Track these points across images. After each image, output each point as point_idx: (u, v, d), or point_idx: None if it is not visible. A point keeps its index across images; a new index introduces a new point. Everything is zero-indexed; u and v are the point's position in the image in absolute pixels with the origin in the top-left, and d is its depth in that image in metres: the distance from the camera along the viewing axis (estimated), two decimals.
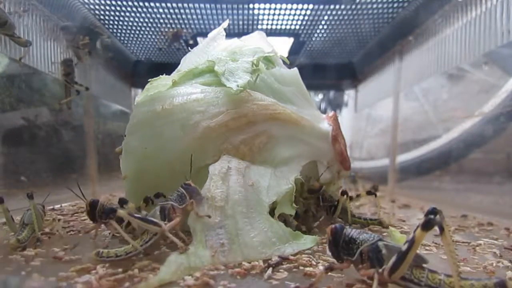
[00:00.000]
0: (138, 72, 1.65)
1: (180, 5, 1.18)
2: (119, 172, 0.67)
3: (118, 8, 1.20)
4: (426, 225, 0.35)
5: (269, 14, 1.25)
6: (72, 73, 1.05)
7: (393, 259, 0.36)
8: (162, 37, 1.30)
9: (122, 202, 0.52)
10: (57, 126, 1.12)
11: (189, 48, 0.86)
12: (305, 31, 1.38)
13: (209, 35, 0.83)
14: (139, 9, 1.21)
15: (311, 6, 1.20)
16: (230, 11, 1.22)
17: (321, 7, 1.20)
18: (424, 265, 0.37)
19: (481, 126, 1.03)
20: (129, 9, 1.20)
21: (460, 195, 1.08)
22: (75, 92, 1.07)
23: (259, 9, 1.23)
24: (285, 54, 0.83)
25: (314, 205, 0.71)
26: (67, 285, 0.39)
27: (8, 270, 0.44)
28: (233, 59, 0.69)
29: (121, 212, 0.45)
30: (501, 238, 0.66)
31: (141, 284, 0.39)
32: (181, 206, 0.51)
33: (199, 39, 1.38)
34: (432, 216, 0.35)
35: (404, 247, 0.36)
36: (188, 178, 0.55)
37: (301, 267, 0.46)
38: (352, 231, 0.41)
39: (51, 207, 0.92)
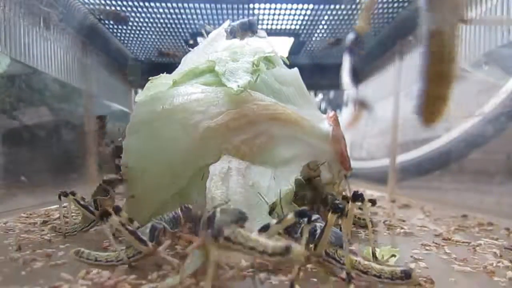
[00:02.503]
0: (138, 72, 1.65)
1: (180, 5, 1.18)
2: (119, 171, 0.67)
3: (118, 8, 1.19)
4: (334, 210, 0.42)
5: (269, 14, 1.25)
6: (105, 127, 1.08)
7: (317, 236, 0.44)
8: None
9: (117, 209, 0.48)
10: (57, 126, 1.12)
11: (189, 48, 0.85)
12: (305, 31, 1.38)
13: (210, 35, 0.83)
14: (139, 9, 1.21)
15: (311, 6, 1.20)
16: (230, 11, 1.22)
17: (321, 7, 1.20)
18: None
19: (481, 126, 1.03)
20: (129, 9, 1.20)
21: (460, 195, 1.08)
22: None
23: (259, 9, 1.23)
24: (285, 54, 0.82)
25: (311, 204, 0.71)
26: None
27: (6, 271, 0.44)
28: (234, 59, 0.69)
29: (113, 219, 0.43)
30: (501, 238, 0.66)
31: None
32: (173, 231, 0.48)
33: (199, 39, 1.38)
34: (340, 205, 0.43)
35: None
36: (195, 182, 0.54)
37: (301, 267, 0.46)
38: None
39: (51, 207, 0.92)
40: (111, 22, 1.24)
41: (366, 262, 0.40)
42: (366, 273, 0.39)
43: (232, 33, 0.78)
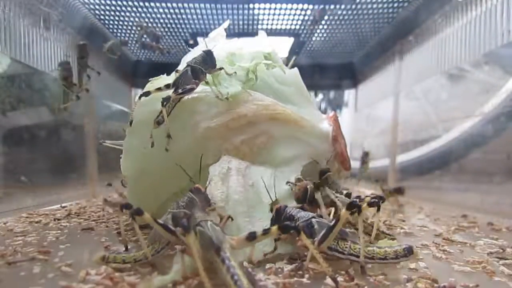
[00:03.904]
0: (138, 72, 1.65)
1: (180, 5, 1.18)
2: (119, 172, 0.67)
3: (118, 8, 1.19)
4: (349, 207, 0.43)
5: (269, 14, 1.25)
6: (71, 76, 1.02)
7: (322, 232, 0.45)
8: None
9: (139, 212, 0.45)
10: (57, 126, 1.12)
11: (189, 48, 0.85)
12: (305, 31, 1.38)
13: (210, 35, 0.83)
14: (139, 9, 1.21)
15: (311, 6, 1.20)
16: (230, 11, 1.22)
17: (321, 7, 1.20)
18: (348, 238, 0.45)
19: (481, 126, 1.03)
20: (129, 9, 1.20)
21: (460, 195, 1.08)
22: (76, 97, 1.05)
23: (259, 9, 1.23)
24: (285, 54, 0.82)
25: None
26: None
27: (5, 272, 0.44)
28: (231, 61, 0.69)
29: (146, 216, 0.44)
30: (501, 238, 0.66)
31: (140, 285, 0.39)
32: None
33: (199, 39, 1.38)
34: (356, 200, 0.45)
35: (331, 224, 0.44)
36: (196, 181, 0.53)
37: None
38: (292, 210, 0.50)
39: (52, 206, 0.92)
40: (147, 37, 1.29)
41: (369, 248, 0.43)
42: (373, 258, 0.42)
43: None
